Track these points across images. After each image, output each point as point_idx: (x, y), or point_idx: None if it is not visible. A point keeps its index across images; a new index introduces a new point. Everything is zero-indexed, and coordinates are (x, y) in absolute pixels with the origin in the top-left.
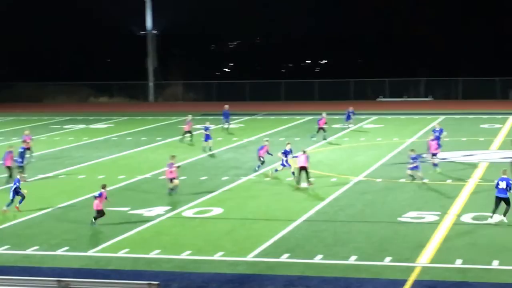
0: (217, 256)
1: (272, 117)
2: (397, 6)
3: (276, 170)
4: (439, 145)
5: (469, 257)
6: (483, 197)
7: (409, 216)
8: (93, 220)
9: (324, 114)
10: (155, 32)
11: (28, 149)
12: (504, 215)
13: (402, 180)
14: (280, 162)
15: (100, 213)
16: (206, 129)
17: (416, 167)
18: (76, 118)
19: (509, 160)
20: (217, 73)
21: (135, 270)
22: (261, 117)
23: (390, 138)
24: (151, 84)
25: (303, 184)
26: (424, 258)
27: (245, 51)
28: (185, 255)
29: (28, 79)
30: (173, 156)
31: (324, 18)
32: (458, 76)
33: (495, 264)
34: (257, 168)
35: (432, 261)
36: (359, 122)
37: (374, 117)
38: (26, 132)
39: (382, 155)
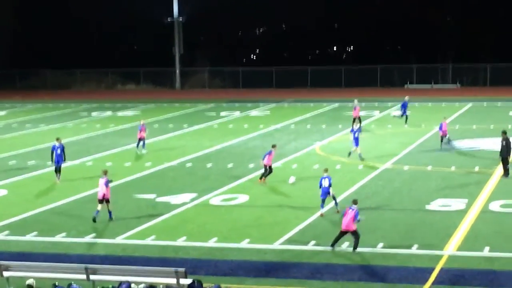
0: (244, 244)
1: (298, 104)
2: None
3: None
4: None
5: (496, 245)
6: (511, 185)
7: (436, 203)
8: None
9: (356, 102)
10: (181, 19)
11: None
12: None
13: (429, 167)
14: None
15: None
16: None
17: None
18: (103, 105)
19: None
20: (243, 60)
21: (161, 257)
22: (287, 104)
23: (417, 126)
24: (177, 71)
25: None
26: (451, 246)
27: (272, 37)
28: (211, 243)
29: (55, 66)
30: (105, 171)
31: (350, 5)
32: (486, 62)
33: None
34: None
35: (459, 249)
36: (386, 109)
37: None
38: None
39: (409, 142)
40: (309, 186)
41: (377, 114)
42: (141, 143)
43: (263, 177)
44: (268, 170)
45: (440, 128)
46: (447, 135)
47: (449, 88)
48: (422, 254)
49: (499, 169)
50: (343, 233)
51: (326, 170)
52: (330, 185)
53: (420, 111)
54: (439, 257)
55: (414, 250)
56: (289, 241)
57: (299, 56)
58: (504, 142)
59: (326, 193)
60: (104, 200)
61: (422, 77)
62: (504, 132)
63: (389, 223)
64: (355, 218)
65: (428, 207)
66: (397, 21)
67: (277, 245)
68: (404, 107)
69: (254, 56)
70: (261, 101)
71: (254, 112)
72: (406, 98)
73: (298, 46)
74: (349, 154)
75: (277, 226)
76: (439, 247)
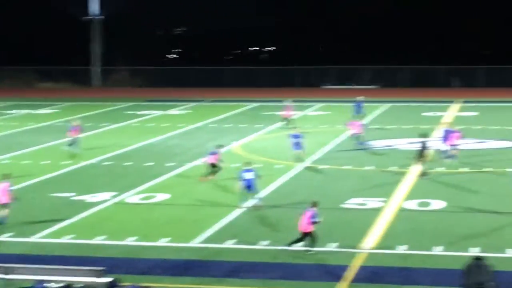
0: (163, 242)
1: (218, 103)
2: None
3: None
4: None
5: (412, 243)
6: (427, 184)
7: (353, 202)
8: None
9: (287, 102)
10: (100, 16)
11: None
12: None
13: (347, 167)
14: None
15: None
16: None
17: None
18: (20, 103)
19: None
20: (164, 59)
21: (79, 256)
22: (207, 104)
23: (334, 126)
24: (95, 69)
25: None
26: (368, 244)
27: (192, 37)
28: (130, 241)
29: None
30: (6, 175)
31: (270, 6)
32: (405, 64)
33: (437, 250)
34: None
35: (376, 247)
36: (304, 109)
37: (319, 105)
38: None
39: (327, 142)
40: (228, 185)
41: (296, 113)
42: (74, 142)
43: (209, 176)
44: (216, 168)
45: (351, 126)
46: (360, 135)
47: (367, 88)
48: (340, 252)
49: (415, 168)
50: (304, 235)
51: (249, 163)
52: (255, 178)
53: (338, 111)
54: (356, 255)
55: (332, 248)
56: (208, 239)
57: (219, 55)
58: (422, 144)
59: (248, 186)
60: (6, 204)
61: (341, 77)
62: (423, 135)
63: None
64: (311, 219)
65: (345, 205)
66: (316, 23)
67: (196, 243)
68: (358, 107)
69: (175, 55)
70: (181, 100)
71: (173, 111)
72: (359, 98)
73: (218, 45)
74: (296, 160)
75: (197, 225)
76: (356, 245)
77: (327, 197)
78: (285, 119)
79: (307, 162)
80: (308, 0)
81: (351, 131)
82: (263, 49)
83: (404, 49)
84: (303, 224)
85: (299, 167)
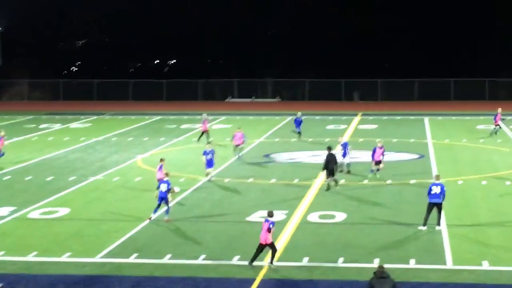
0: (64, 257)
1: (120, 117)
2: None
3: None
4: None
5: (315, 255)
6: (329, 196)
7: (257, 215)
8: None
9: (204, 115)
10: None
11: None
12: (438, 224)
13: (250, 179)
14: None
15: None
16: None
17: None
18: None
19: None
20: (64, 72)
21: None
22: (109, 117)
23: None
24: None
25: None
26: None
27: (93, 50)
28: (31, 257)
29: None
30: None
31: (173, 18)
32: (305, 77)
33: (340, 262)
34: None
35: (279, 260)
36: (208, 122)
37: (223, 117)
38: None
39: (230, 155)
40: (131, 199)
41: (198, 127)
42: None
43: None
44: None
45: (234, 138)
46: (241, 145)
47: (269, 101)
48: (244, 265)
49: (317, 181)
50: (261, 247)
51: (167, 175)
52: (168, 190)
53: (241, 124)
54: (260, 268)
55: (236, 261)
56: (110, 254)
57: (120, 68)
58: (327, 157)
59: (161, 198)
60: None
61: (243, 91)
62: (329, 148)
63: (210, 235)
64: (269, 230)
65: (248, 218)
66: (217, 35)
67: (98, 258)
68: (297, 123)
69: (75, 68)
70: (82, 113)
71: (74, 125)
72: (299, 114)
73: (119, 58)
74: (209, 179)
75: (99, 239)
76: (260, 258)
77: (232, 210)
78: (203, 133)
79: (210, 176)
80: (209, 14)
81: (234, 142)
82: (166, 62)
83: (305, 63)
84: (263, 235)
85: (202, 180)
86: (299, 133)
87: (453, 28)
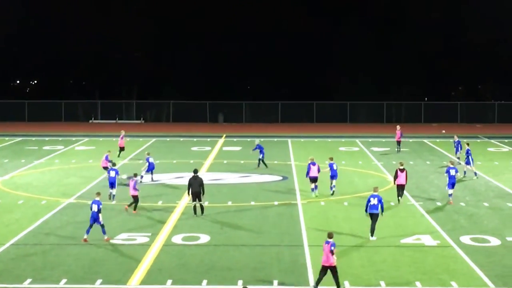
0: None
1: None
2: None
3: None
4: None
5: (179, 277)
6: (193, 218)
7: (120, 238)
8: None
9: (123, 133)
10: None
11: None
12: (372, 234)
13: (114, 202)
14: None
15: None
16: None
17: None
18: None
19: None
20: None
21: None
22: None
23: (101, 160)
24: None
25: None
26: (135, 280)
27: None
28: None
29: None
30: None
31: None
32: (169, 99)
33: (204, 284)
34: None
35: (142, 283)
36: (71, 144)
37: (86, 139)
38: None
39: (94, 177)
40: None
41: (61, 148)
42: None
43: (131, 205)
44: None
45: (106, 158)
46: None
47: (133, 123)
48: None
49: (181, 204)
50: (325, 269)
51: (98, 194)
52: (99, 211)
53: (105, 146)
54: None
55: (98, 285)
56: None
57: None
58: (190, 180)
59: (94, 218)
60: None
61: (107, 112)
62: (195, 171)
63: (72, 258)
64: (332, 252)
65: (113, 241)
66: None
67: None
68: (259, 148)
69: None
70: None
71: None
72: (257, 140)
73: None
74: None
75: None
76: (123, 281)
77: (95, 232)
78: (122, 149)
79: (72, 198)
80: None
81: (102, 164)
82: (28, 82)
83: (170, 84)
84: (326, 258)
85: (64, 203)
86: (263, 161)
87: (314, 52)
